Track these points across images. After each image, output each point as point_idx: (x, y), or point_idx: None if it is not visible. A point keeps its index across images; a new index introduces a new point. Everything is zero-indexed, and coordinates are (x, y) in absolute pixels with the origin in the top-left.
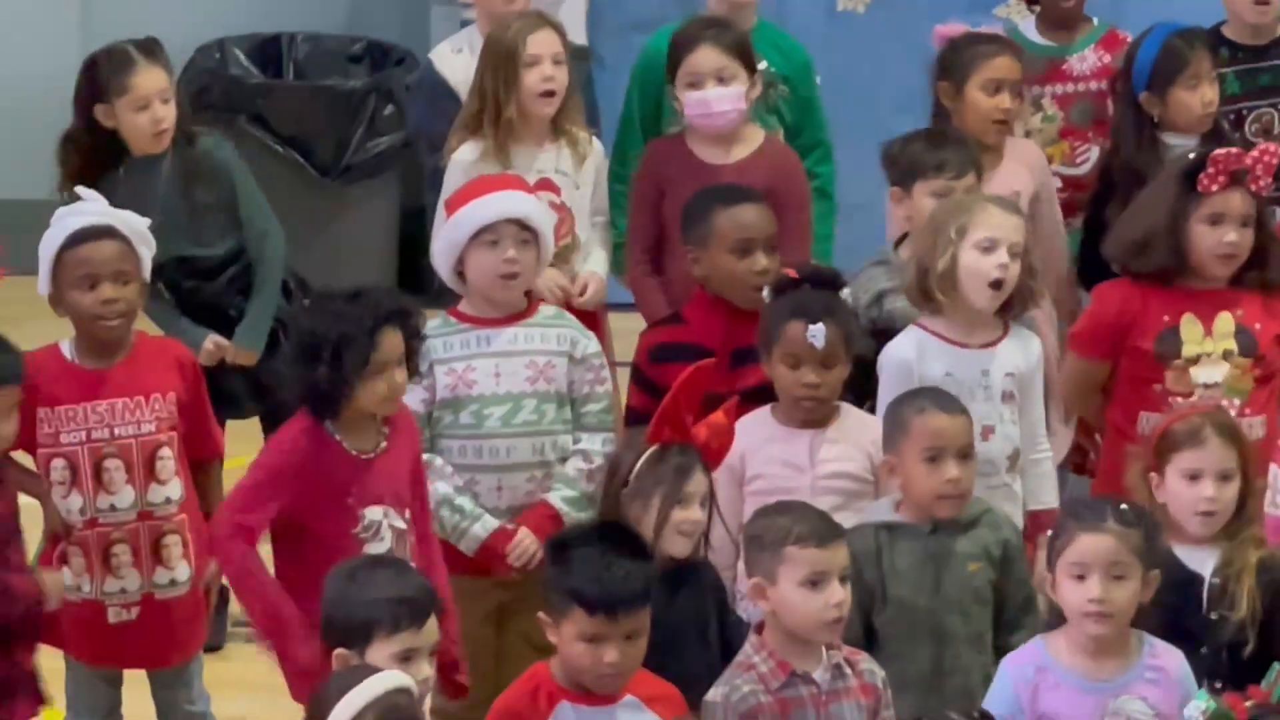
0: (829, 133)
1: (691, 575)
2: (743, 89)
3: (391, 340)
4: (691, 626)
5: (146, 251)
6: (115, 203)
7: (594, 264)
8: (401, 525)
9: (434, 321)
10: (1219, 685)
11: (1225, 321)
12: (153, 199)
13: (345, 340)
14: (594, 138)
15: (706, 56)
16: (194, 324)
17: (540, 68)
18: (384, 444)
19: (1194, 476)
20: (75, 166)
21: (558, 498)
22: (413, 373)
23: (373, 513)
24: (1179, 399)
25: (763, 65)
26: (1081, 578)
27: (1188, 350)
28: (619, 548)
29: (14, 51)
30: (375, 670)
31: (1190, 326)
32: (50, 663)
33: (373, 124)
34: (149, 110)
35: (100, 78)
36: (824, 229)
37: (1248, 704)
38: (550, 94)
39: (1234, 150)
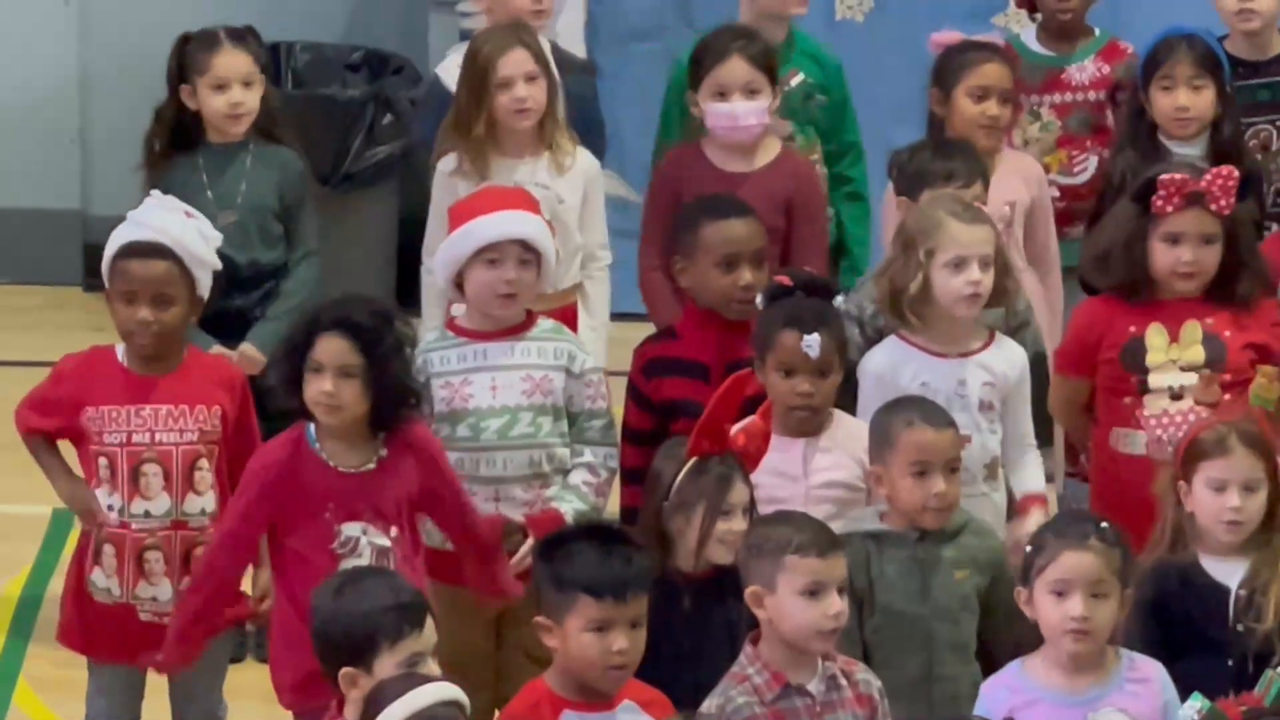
0: (860, 135)
1: (732, 582)
2: (768, 103)
3: (330, 346)
4: (725, 634)
5: (203, 274)
6: (190, 187)
7: (593, 354)
8: (384, 542)
9: (431, 335)
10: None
11: (1193, 329)
12: (234, 192)
13: (290, 333)
14: (580, 149)
15: (736, 69)
16: (203, 333)
17: (513, 90)
18: (374, 462)
19: (1220, 487)
20: (162, 143)
21: (569, 508)
22: (398, 400)
23: (350, 528)
24: (1167, 405)
25: (799, 78)
26: (1062, 594)
27: (1152, 358)
28: (611, 540)
29: (10, 61)
30: (427, 680)
31: (1156, 334)
32: (75, 673)
33: (371, 133)
34: (227, 92)
35: (186, 56)
36: (860, 231)
37: (1242, 709)
38: (524, 111)
39: (1180, 176)
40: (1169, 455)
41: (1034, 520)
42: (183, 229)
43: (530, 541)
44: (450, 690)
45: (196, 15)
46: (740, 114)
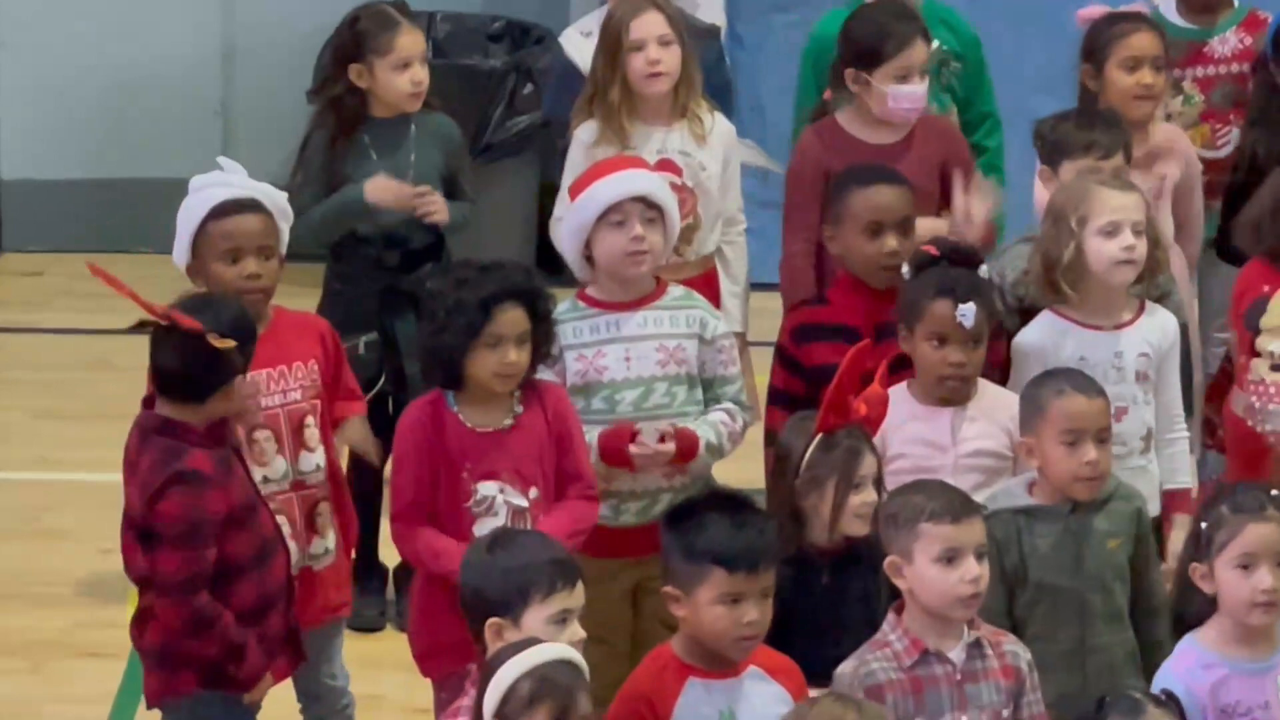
0: (997, 106)
1: (867, 553)
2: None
3: (510, 316)
4: (862, 607)
5: (286, 226)
6: (361, 165)
7: (732, 318)
8: (521, 503)
9: (563, 305)
10: None
11: None
12: (405, 164)
13: (459, 306)
14: (718, 115)
15: (920, 53)
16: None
17: (645, 52)
18: (510, 420)
19: None
20: (334, 127)
21: (704, 436)
22: (543, 357)
23: (486, 488)
24: (1266, 374)
25: (935, 44)
26: (1247, 568)
27: (1267, 319)
28: (741, 509)
29: (154, 32)
30: (542, 642)
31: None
32: None
33: (512, 103)
34: (410, 70)
35: (362, 36)
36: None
37: None
38: (657, 75)
39: None
40: (1259, 423)
41: (1179, 534)
42: (260, 184)
43: (670, 445)
44: (568, 651)
45: None
46: (921, 95)
